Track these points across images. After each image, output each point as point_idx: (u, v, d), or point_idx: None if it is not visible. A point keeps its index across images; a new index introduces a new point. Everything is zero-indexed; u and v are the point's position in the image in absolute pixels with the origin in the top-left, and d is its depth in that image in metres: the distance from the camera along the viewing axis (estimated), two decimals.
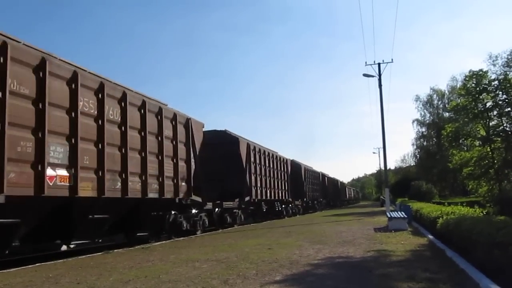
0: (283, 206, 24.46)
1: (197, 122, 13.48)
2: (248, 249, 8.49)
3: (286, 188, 24.95)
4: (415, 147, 58.41)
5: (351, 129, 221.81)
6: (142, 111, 10.07)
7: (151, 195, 10.07)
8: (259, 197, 19.38)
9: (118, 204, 9.16)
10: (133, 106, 9.72)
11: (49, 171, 7.09)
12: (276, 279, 5.24)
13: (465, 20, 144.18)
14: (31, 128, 6.88)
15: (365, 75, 26.26)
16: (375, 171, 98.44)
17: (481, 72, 23.22)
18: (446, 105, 46.39)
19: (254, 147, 19.63)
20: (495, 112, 23.39)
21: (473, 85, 23.31)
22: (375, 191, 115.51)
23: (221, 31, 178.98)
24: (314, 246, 8.85)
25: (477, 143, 26.07)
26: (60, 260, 7.74)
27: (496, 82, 22.74)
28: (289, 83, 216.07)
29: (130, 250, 9.38)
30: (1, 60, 6.41)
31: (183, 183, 11.86)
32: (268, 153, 22.21)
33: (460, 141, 28.36)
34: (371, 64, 26.32)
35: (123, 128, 9.21)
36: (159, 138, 10.70)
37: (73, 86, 7.80)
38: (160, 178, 10.57)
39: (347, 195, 70.15)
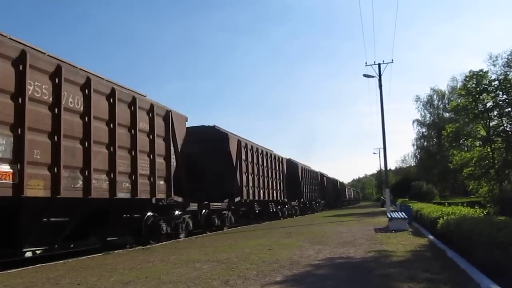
0: (279, 207, 23.47)
1: (179, 115, 12.33)
2: (249, 250, 8.49)
3: (282, 188, 23.75)
4: (415, 147, 58.54)
5: (351, 129, 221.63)
6: (111, 100, 8.93)
7: (121, 195, 9.00)
8: (251, 197, 18.05)
9: (81, 206, 8.17)
10: (100, 94, 8.61)
11: None
12: (276, 280, 5.24)
13: (465, 20, 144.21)
14: None
15: (365, 75, 26.29)
16: (376, 172, 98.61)
17: (481, 72, 23.25)
18: (447, 106, 46.43)
19: (246, 144, 18.25)
20: (495, 112, 23.41)
21: (473, 85, 23.33)
22: (376, 191, 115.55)
23: (221, 32, 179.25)
24: (314, 246, 8.85)
25: (477, 143, 26.07)
26: (61, 261, 7.74)
27: (497, 82, 22.77)
28: (289, 84, 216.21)
29: (130, 251, 9.38)
30: None
31: (162, 182, 10.80)
32: (262, 151, 20.79)
33: (461, 141, 28.39)
34: (371, 65, 26.35)
35: (86, 118, 8.12)
36: (132, 131, 9.59)
37: (21, 67, 6.83)
38: (133, 176, 9.45)
39: (347, 196, 69.23)
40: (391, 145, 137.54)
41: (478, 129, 24.76)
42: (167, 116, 11.37)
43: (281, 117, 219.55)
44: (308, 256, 7.34)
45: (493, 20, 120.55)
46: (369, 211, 31.76)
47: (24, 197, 6.70)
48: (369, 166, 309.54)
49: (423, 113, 54.90)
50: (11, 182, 6.51)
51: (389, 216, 13.91)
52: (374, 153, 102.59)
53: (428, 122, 54.44)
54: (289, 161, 27.64)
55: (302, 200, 29.50)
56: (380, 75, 25.80)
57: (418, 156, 58.18)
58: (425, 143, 56.14)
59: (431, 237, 9.95)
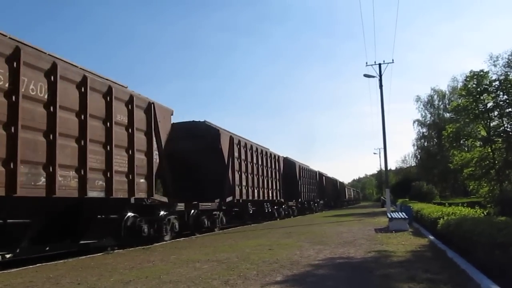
0: (275, 207, 22.61)
1: (164, 108, 11.36)
2: (249, 250, 8.49)
3: (278, 187, 22.78)
4: (415, 147, 58.53)
5: (351, 129, 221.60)
6: (83, 88, 8.11)
7: (94, 194, 8.21)
8: (244, 197, 17.02)
9: (45, 206, 7.44)
10: (68, 81, 7.78)
11: None
12: (276, 280, 5.24)
13: (466, 20, 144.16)
14: None
15: (365, 75, 26.27)
16: (376, 172, 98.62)
17: (482, 73, 23.25)
18: (447, 106, 46.47)
19: (239, 141, 17.21)
20: (496, 113, 23.42)
21: (474, 85, 23.33)
22: (376, 191, 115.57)
23: (221, 32, 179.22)
24: (314, 246, 8.85)
25: (478, 143, 26.07)
26: (61, 261, 7.74)
27: (497, 82, 22.79)
28: (289, 84, 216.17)
29: (130, 250, 9.39)
30: None
31: (142, 180, 9.96)
32: (257, 149, 19.72)
33: (461, 141, 28.39)
34: (371, 65, 26.34)
35: (51, 108, 7.32)
36: (108, 123, 8.77)
37: None
38: (108, 173, 8.64)
39: (347, 196, 68.76)
40: (391, 145, 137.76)
41: (478, 130, 24.78)
42: (149, 109, 10.49)
43: (281, 117, 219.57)
44: (308, 256, 7.34)
45: (493, 20, 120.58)
46: (369, 211, 31.75)
47: None
48: (370, 166, 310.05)
49: (423, 113, 54.97)
50: None
51: (389, 216, 13.90)
52: (375, 153, 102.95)
53: (428, 122, 54.47)
54: (286, 160, 26.83)
55: (299, 200, 28.68)
56: (380, 75, 25.81)
57: (419, 156, 58.19)
58: (426, 143, 56.14)
59: (431, 237, 9.95)
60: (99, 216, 8.94)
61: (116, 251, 9.13)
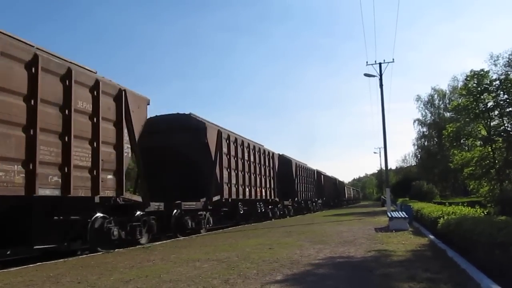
0: (270, 207, 21.51)
1: (138, 97, 10.23)
2: (249, 249, 8.49)
3: (272, 186, 21.58)
4: (416, 147, 58.54)
5: (352, 129, 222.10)
6: (33, 69, 7.09)
7: (46, 192, 7.18)
8: (234, 196, 15.90)
9: None
10: (13, 60, 6.79)
11: None
12: (277, 279, 5.24)
13: (466, 20, 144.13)
14: None
15: (366, 75, 26.31)
16: (376, 171, 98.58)
17: (482, 72, 23.19)
18: (447, 105, 46.44)
19: (228, 136, 15.92)
20: (496, 112, 23.36)
21: (474, 85, 23.28)
22: (376, 191, 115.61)
23: (222, 32, 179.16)
24: (315, 246, 8.85)
25: (478, 143, 26.04)
26: (61, 260, 7.74)
27: (498, 82, 22.72)
28: (289, 83, 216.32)
29: (130, 249, 9.38)
30: None
31: (110, 176, 8.89)
32: (249, 145, 18.29)
33: (461, 141, 28.33)
34: (372, 64, 26.39)
35: None
36: (66, 111, 7.67)
37: None
38: (66, 168, 7.54)
39: (346, 195, 68.17)
40: (391, 144, 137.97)
41: (479, 129, 24.72)
42: (120, 96, 9.39)
43: (281, 117, 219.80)
44: (308, 256, 7.35)
45: (493, 20, 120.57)
46: (369, 211, 31.75)
47: None
48: (370, 165, 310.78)
49: (424, 113, 54.99)
50: None
51: (390, 215, 13.90)
52: (375, 153, 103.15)
53: (428, 121, 54.47)
54: (282, 157, 25.61)
55: (296, 199, 27.71)
56: (381, 75, 25.82)
57: (419, 155, 58.20)
58: (426, 143, 56.15)
59: (431, 236, 9.95)
60: (55, 218, 7.77)
61: (116, 250, 9.13)
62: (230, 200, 15.64)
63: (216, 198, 14.37)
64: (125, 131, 9.51)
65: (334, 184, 51.33)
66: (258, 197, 19.12)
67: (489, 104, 23.31)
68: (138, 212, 10.16)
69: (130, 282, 5.34)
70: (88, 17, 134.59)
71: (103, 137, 8.66)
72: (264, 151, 20.85)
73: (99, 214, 8.83)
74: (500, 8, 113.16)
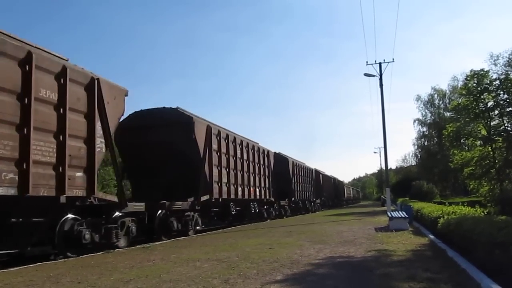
0: (265, 207, 20.59)
1: (114, 87, 9.34)
2: (249, 249, 8.49)
3: (267, 185, 20.51)
4: (416, 146, 58.57)
5: (352, 128, 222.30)
6: None
7: None
8: (225, 196, 14.89)
9: None
10: None
11: None
12: (277, 279, 5.25)
13: (466, 20, 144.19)
14: None
15: (366, 74, 26.32)
16: (376, 171, 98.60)
17: (482, 72, 23.21)
18: (447, 105, 46.49)
19: (219, 132, 14.89)
20: (496, 112, 23.38)
21: (474, 84, 23.30)
22: (376, 190, 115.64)
23: (222, 31, 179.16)
24: (315, 245, 8.85)
25: (478, 143, 26.07)
26: (61, 260, 7.75)
27: (498, 81, 22.75)
28: (289, 83, 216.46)
29: (131, 249, 9.39)
30: None
31: (79, 174, 7.99)
32: (241, 142, 17.19)
33: (461, 141, 28.35)
34: (372, 64, 26.41)
35: None
36: (25, 100, 6.83)
37: None
38: (24, 164, 6.72)
39: (346, 195, 67.25)
40: (391, 144, 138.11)
41: (479, 129, 24.74)
42: (92, 86, 8.47)
43: (281, 117, 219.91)
44: (308, 255, 7.35)
45: (493, 19, 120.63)
46: (369, 211, 31.75)
47: None
48: (370, 165, 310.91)
49: (424, 113, 55.02)
50: None
51: (390, 215, 13.91)
52: (375, 153, 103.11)
53: (429, 121, 54.49)
54: (278, 155, 24.69)
55: (293, 199, 26.73)
56: (381, 74, 25.83)
57: (419, 155, 58.21)
58: (426, 143, 56.17)
59: (431, 236, 9.95)
60: (13, 220, 7.01)
61: (117, 250, 9.14)
62: (220, 200, 14.71)
63: (205, 197, 13.44)
64: (98, 124, 8.62)
65: (333, 184, 50.53)
66: (252, 197, 18.16)
67: (489, 104, 23.33)
68: (117, 213, 9.38)
69: (130, 282, 5.34)
70: (88, 17, 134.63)
71: (71, 130, 7.78)
72: (259, 148, 19.88)
73: (70, 216, 8.09)
74: (500, 8, 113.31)
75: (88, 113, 8.39)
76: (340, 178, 65.92)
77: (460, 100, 26.24)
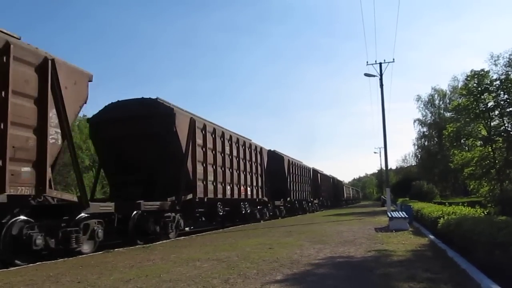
0: (259, 207, 19.56)
1: (75, 70, 8.27)
2: (249, 249, 8.49)
3: (260, 184, 19.39)
4: (416, 147, 58.52)
5: (352, 129, 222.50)
6: None
7: None
8: (210, 195, 13.74)
9: None
10: None
11: None
12: (277, 279, 5.24)
13: (466, 20, 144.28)
14: None
15: (366, 74, 26.32)
16: (376, 171, 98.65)
17: (482, 72, 23.19)
18: (448, 105, 46.46)
19: (205, 126, 13.70)
20: (496, 112, 23.36)
21: (474, 85, 23.28)
22: (376, 191, 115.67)
23: (222, 32, 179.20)
24: (315, 245, 8.85)
25: (478, 143, 26.05)
26: (61, 259, 7.74)
27: (498, 82, 22.72)
28: (289, 83, 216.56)
29: (131, 249, 9.39)
30: None
31: (27, 169, 7.01)
32: (230, 137, 16.01)
33: (462, 141, 28.36)
34: (372, 64, 26.41)
35: None
36: None
37: None
38: None
39: (345, 195, 66.50)
40: (392, 144, 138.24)
41: (479, 129, 24.72)
42: (45, 67, 7.37)
43: (281, 117, 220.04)
44: (308, 255, 7.35)
45: (494, 20, 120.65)
46: (369, 211, 31.74)
47: None
48: (370, 165, 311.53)
49: (424, 113, 55.02)
50: None
51: (390, 215, 13.90)
52: (375, 153, 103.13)
53: (429, 121, 54.50)
54: (272, 153, 23.54)
55: (289, 199, 25.64)
56: (381, 75, 25.83)
57: (419, 155, 58.18)
58: (426, 143, 56.15)
59: (431, 236, 9.95)
60: None
61: (116, 249, 9.13)
62: (206, 200, 13.49)
63: (187, 197, 12.36)
64: (53, 111, 7.52)
65: (332, 183, 49.46)
66: (243, 197, 17.10)
67: (490, 104, 23.31)
68: (82, 215, 8.38)
69: (130, 281, 5.34)
70: (88, 17, 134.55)
71: (15, 117, 6.69)
72: (250, 145, 18.65)
73: (21, 218, 7.12)
74: (500, 8, 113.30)
75: (39, 99, 7.28)
76: (340, 178, 65.82)
77: (461, 100, 26.24)
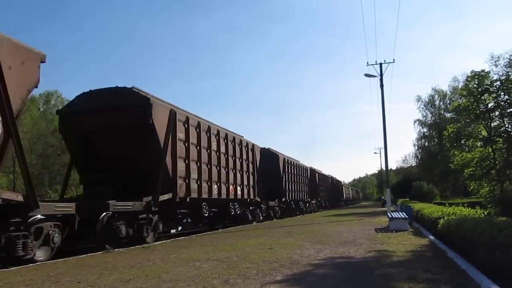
0: (251, 207, 18.60)
1: (22, 48, 7.19)
2: (249, 249, 8.49)
3: (252, 184, 18.34)
4: (416, 147, 58.52)
5: (352, 129, 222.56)
6: None
7: None
8: (194, 194, 12.65)
9: None
10: None
11: None
12: (276, 279, 5.24)
13: (467, 20, 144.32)
14: None
15: (366, 75, 26.29)
16: (376, 172, 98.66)
17: (483, 73, 23.19)
18: (448, 106, 46.47)
19: (187, 119, 12.53)
20: (497, 113, 23.37)
21: (475, 85, 23.29)
22: (376, 191, 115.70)
23: (222, 32, 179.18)
24: (315, 246, 8.84)
25: (478, 143, 26.04)
26: (61, 259, 7.74)
27: (498, 82, 22.73)
28: (289, 83, 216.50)
29: (130, 249, 9.38)
30: None
31: None
32: (218, 132, 14.87)
33: (462, 141, 28.36)
34: (372, 64, 26.37)
35: None
36: None
37: None
38: None
39: (345, 195, 65.67)
40: (392, 145, 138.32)
41: (479, 130, 24.72)
42: None
43: (282, 117, 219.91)
44: (308, 256, 7.34)
45: (494, 20, 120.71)
46: (369, 211, 31.74)
47: None
48: (370, 166, 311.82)
49: (424, 113, 55.06)
50: None
51: (390, 216, 13.91)
52: (375, 153, 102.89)
53: (429, 122, 54.53)
54: (266, 151, 22.32)
55: (284, 199, 24.50)
56: (381, 75, 25.81)
57: (419, 156, 58.19)
58: (426, 143, 56.18)
59: (431, 237, 9.95)
60: None
61: (116, 250, 9.13)
62: (188, 200, 12.38)
63: (165, 196, 11.24)
64: None
65: (330, 183, 48.20)
66: (232, 197, 15.92)
67: (490, 105, 23.31)
68: (37, 216, 7.40)
69: (130, 281, 5.34)
70: (88, 16, 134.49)
71: None
72: (241, 141, 17.54)
73: None
74: (501, 8, 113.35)
75: None
76: (340, 179, 65.59)
77: (461, 101, 26.23)
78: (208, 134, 14.01)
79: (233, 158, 16.30)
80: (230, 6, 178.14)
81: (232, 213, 16.12)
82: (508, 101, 22.56)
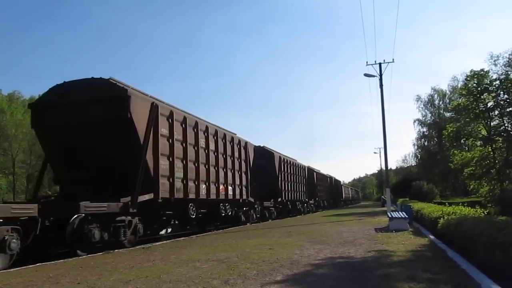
0: (244, 208, 17.84)
1: None
2: (249, 249, 8.48)
3: (244, 183, 17.52)
4: (416, 147, 58.54)
5: (352, 129, 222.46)
6: None
7: None
8: (179, 194, 11.93)
9: None
10: None
11: None
12: (276, 279, 5.24)
13: (466, 20, 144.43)
14: None
15: (366, 75, 26.29)
16: (376, 171, 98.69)
17: (482, 72, 23.18)
18: (447, 105, 46.49)
19: (171, 113, 11.77)
20: (496, 112, 23.36)
21: (474, 85, 23.28)
22: (376, 191, 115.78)
23: (222, 32, 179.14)
24: (315, 246, 8.84)
25: (478, 143, 26.05)
26: (61, 260, 7.74)
27: (498, 82, 22.72)
28: (289, 83, 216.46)
29: (130, 250, 9.38)
30: None
31: None
32: (206, 128, 13.98)
33: (461, 141, 28.32)
34: (372, 64, 26.37)
35: None
36: None
37: None
38: None
39: (344, 195, 64.99)
40: (391, 144, 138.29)
41: (479, 129, 24.71)
42: None
43: (281, 117, 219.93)
44: (308, 256, 7.34)
45: (494, 20, 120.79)
46: (369, 211, 31.74)
47: None
48: (370, 165, 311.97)
49: (424, 113, 55.03)
50: None
51: (390, 215, 13.90)
52: (375, 153, 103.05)
53: (429, 121, 54.51)
54: (260, 149, 21.46)
55: (280, 199, 23.79)
56: (381, 75, 25.82)
57: (419, 155, 58.20)
58: (426, 143, 56.18)
59: (431, 237, 9.94)
60: None
61: (116, 250, 9.12)
62: (173, 200, 11.66)
63: (145, 197, 10.43)
64: None
65: (329, 183, 47.33)
66: (223, 197, 15.11)
67: (489, 104, 23.30)
68: None
69: (130, 282, 5.34)
70: (88, 17, 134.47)
71: None
72: (233, 138, 16.66)
73: None
74: (500, 8, 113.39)
75: None
76: (340, 178, 65.38)
77: (460, 100, 26.22)
78: (195, 130, 13.20)
79: (224, 156, 15.50)
80: (230, 6, 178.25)
81: (223, 214, 15.32)
82: (508, 100, 22.55)
